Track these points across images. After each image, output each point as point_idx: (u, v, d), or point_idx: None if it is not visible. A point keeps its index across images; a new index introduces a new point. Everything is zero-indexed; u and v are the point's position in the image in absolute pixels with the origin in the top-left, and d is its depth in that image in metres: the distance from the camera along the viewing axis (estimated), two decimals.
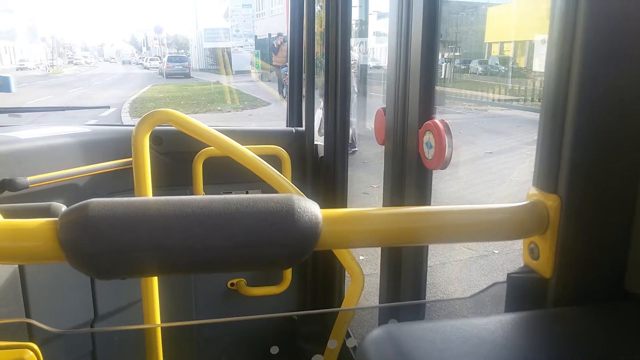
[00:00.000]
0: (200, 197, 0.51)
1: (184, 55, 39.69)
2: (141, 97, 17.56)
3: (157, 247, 0.48)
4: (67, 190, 1.59)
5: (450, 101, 10.50)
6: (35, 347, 0.60)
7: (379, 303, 1.62)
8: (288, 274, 2.05)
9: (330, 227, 0.54)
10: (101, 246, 0.46)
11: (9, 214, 0.88)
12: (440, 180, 5.22)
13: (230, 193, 2.17)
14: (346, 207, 1.97)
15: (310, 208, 0.52)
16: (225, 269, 0.53)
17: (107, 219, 0.47)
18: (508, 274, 0.63)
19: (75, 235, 0.47)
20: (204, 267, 0.52)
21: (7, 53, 57.46)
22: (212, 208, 0.49)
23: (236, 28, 32.06)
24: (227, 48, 34.72)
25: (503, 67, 10.75)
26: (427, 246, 1.40)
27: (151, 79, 29.21)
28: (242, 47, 30.78)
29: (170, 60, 30.66)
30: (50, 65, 48.33)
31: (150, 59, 48.66)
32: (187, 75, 29.88)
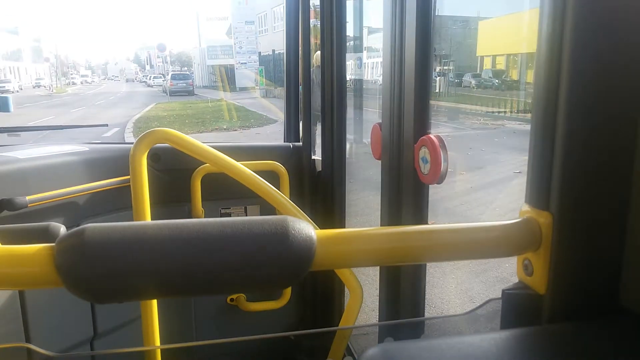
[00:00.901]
0: (195, 220, 0.52)
1: (187, 72, 39.76)
2: (145, 116, 17.35)
3: (153, 271, 0.48)
4: (66, 209, 1.60)
5: (464, 116, 10.22)
6: None
7: (379, 320, 1.61)
8: (288, 289, 2.05)
9: (325, 248, 0.54)
10: (98, 271, 0.47)
11: (7, 234, 0.88)
12: (478, 205, 4.90)
13: (229, 209, 1.99)
14: (344, 221, 1.99)
15: (305, 230, 0.52)
16: (222, 292, 0.53)
17: (104, 244, 0.47)
18: (503, 290, 0.64)
19: (72, 261, 0.47)
20: (201, 290, 0.52)
21: (11, 73, 57.66)
22: (208, 232, 0.50)
23: (239, 45, 32.07)
24: (230, 65, 34.71)
25: (496, 80, 10.82)
26: (425, 265, 1.40)
27: (155, 97, 29.13)
28: (245, 63, 30.73)
29: (173, 78, 30.69)
30: (38, 86, 48.49)
31: (154, 77, 48.77)
32: (190, 93, 29.85)
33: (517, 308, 0.63)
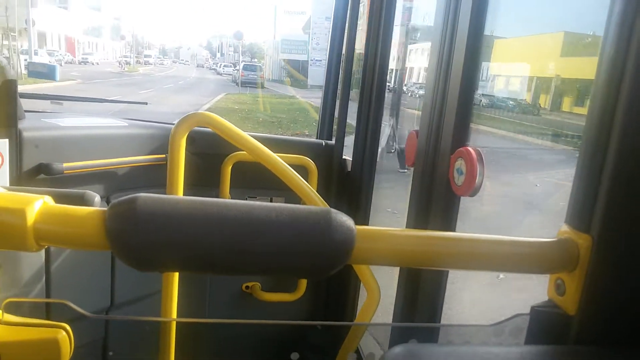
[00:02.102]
0: (244, 202, 0.53)
1: (258, 64, 38.54)
2: (215, 107, 15.94)
3: (199, 246, 0.50)
4: (99, 180, 1.65)
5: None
6: (68, 327, 0.62)
7: (393, 322, 1.57)
8: (303, 283, 2.05)
9: (364, 244, 0.55)
10: (147, 239, 0.48)
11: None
12: None
13: (255, 198, 2.06)
14: (368, 224, 1.95)
15: (347, 223, 0.53)
16: (261, 273, 0.55)
17: (155, 214, 0.49)
18: (532, 307, 0.64)
19: (123, 227, 0.49)
20: (239, 270, 0.54)
21: (89, 48, 58.91)
22: (256, 214, 0.51)
23: (316, 41, 30.50)
24: (303, 61, 33.08)
25: (511, 102, 10.42)
26: (448, 271, 1.36)
27: (225, 87, 28.33)
28: (320, 60, 29.04)
29: (245, 68, 29.88)
30: (126, 63, 48.37)
31: (224, 65, 48.17)
32: (260, 85, 28.46)
33: (545, 326, 0.63)
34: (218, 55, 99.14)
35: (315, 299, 2.14)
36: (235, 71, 33.60)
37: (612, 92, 0.54)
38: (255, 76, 29.13)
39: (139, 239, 0.48)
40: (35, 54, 26.27)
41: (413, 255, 0.58)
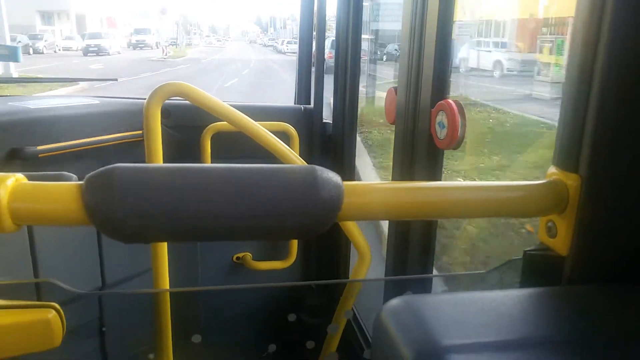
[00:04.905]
0: (226, 165, 0.51)
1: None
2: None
3: (181, 214, 0.48)
4: (77, 160, 1.59)
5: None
6: (58, 307, 0.60)
7: (385, 277, 1.58)
8: (294, 249, 2.05)
9: (352, 199, 0.54)
10: (127, 210, 0.47)
11: None
12: None
13: None
14: None
15: (333, 179, 0.51)
16: (249, 238, 0.53)
17: (133, 183, 0.47)
18: (524, 251, 0.64)
19: (101, 199, 0.47)
20: (226, 235, 0.52)
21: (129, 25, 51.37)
22: (238, 177, 0.50)
23: None
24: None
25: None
26: (436, 222, 1.39)
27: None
28: None
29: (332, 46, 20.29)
30: (174, 45, 38.98)
31: (287, 42, 38.93)
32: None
33: (538, 269, 0.63)
34: (271, 30, 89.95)
35: (307, 264, 2.14)
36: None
37: (593, 29, 0.54)
38: None
39: (118, 210, 0.46)
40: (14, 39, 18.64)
41: (403, 207, 0.57)
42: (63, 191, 0.48)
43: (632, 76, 0.53)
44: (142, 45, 36.50)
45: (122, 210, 0.46)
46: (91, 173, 0.48)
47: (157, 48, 34.60)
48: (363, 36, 1.87)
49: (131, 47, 36.48)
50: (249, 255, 2.04)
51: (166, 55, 28.11)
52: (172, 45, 38.42)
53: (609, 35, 0.52)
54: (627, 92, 0.53)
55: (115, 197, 0.46)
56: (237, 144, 1.66)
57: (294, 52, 33.16)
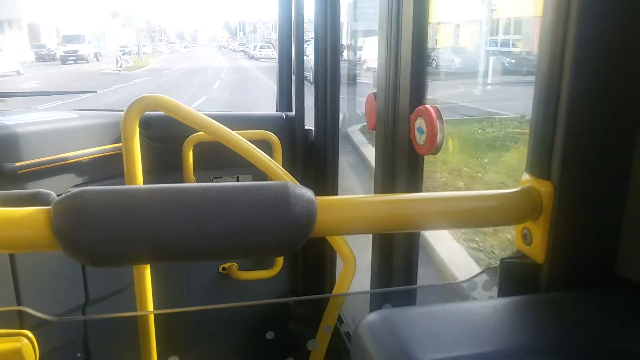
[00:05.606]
0: (194, 185, 0.51)
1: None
2: None
3: (151, 236, 0.48)
4: (56, 176, 1.57)
5: None
6: (30, 335, 0.59)
7: (370, 289, 1.59)
8: (280, 258, 2.05)
9: (326, 215, 0.53)
10: (96, 235, 0.46)
11: None
12: None
13: (221, 178, 1.98)
14: (337, 191, 1.97)
15: (306, 195, 0.51)
16: (221, 257, 0.53)
17: (101, 207, 0.47)
18: (501, 259, 0.64)
19: (69, 224, 0.46)
20: (199, 256, 0.52)
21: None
22: (207, 196, 0.49)
23: None
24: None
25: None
26: (419, 233, 1.39)
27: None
28: None
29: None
30: (131, 54, 34.70)
31: (260, 47, 37.42)
32: None
33: (515, 277, 0.63)
34: (240, 34, 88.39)
35: (294, 273, 2.14)
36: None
37: (560, 38, 0.54)
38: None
39: (87, 235, 0.46)
40: None
41: (378, 220, 0.57)
42: (31, 217, 0.48)
43: (599, 84, 0.54)
44: (73, 57, 28.00)
45: (88, 235, 0.46)
46: (58, 198, 0.48)
47: (98, 60, 29.53)
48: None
49: (58, 60, 28.62)
50: (235, 266, 2.05)
51: (121, 67, 24.51)
52: (133, 54, 35.52)
53: (575, 45, 0.53)
54: (596, 99, 0.54)
55: (81, 223, 0.46)
56: (220, 154, 1.62)
57: (268, 58, 31.53)
